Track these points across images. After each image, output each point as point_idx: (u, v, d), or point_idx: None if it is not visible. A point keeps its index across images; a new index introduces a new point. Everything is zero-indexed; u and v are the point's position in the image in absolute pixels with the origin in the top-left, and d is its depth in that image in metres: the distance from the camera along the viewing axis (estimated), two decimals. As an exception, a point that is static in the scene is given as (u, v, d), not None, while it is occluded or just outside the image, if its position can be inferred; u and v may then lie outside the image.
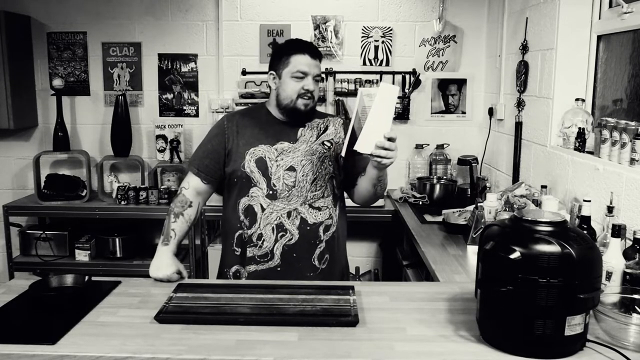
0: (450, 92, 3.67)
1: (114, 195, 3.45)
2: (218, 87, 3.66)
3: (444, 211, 2.80)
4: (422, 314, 1.47)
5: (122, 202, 3.39)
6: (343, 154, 1.76)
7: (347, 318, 1.42)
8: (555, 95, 2.51)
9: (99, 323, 1.42)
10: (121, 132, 3.52)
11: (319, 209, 1.90)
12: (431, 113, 3.69)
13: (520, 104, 2.89)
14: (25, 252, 3.50)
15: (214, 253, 3.23)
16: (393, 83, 3.56)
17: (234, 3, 3.58)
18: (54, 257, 3.48)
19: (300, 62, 1.87)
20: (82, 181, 3.57)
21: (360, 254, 3.76)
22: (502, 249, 1.22)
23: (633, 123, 1.94)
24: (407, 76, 3.61)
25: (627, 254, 1.60)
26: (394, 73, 3.60)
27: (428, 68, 3.63)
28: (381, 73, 3.60)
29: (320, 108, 2.81)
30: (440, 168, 3.59)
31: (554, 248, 1.19)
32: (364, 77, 3.60)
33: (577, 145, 2.29)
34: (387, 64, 3.61)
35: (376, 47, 3.60)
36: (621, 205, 1.89)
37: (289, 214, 1.87)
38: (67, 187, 3.51)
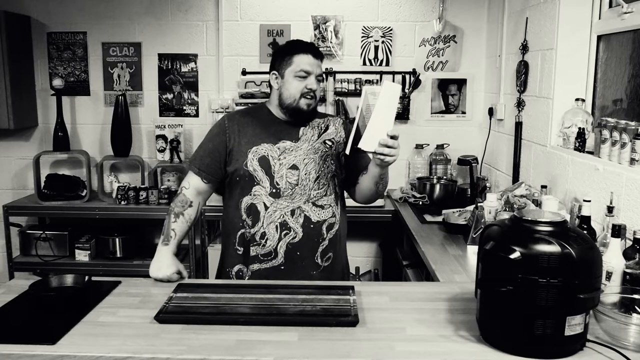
0: (450, 92, 3.67)
1: (114, 195, 3.45)
2: (218, 87, 3.66)
3: (444, 211, 2.80)
4: (422, 314, 1.47)
5: (122, 202, 3.40)
6: (347, 152, 1.76)
7: (347, 318, 1.42)
8: (555, 95, 2.51)
9: (99, 323, 1.42)
10: (121, 132, 3.52)
11: (322, 207, 1.90)
12: (431, 113, 3.69)
13: (520, 104, 2.89)
14: (25, 252, 3.50)
15: (214, 253, 3.23)
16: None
17: (234, 3, 3.58)
18: (54, 257, 3.48)
19: (303, 61, 1.88)
20: (82, 181, 3.57)
21: (360, 254, 3.76)
22: (502, 249, 1.22)
23: (633, 123, 1.94)
24: (407, 76, 3.61)
25: (627, 254, 1.60)
26: (394, 73, 3.60)
27: (428, 68, 3.63)
28: (381, 73, 3.60)
29: (320, 108, 2.80)
30: (440, 168, 3.59)
31: (554, 248, 1.19)
32: (364, 77, 3.60)
33: (577, 145, 2.29)
34: (387, 64, 3.61)
35: (376, 47, 3.60)
36: (621, 205, 1.89)
37: (292, 212, 1.87)
38: (67, 187, 3.51)
